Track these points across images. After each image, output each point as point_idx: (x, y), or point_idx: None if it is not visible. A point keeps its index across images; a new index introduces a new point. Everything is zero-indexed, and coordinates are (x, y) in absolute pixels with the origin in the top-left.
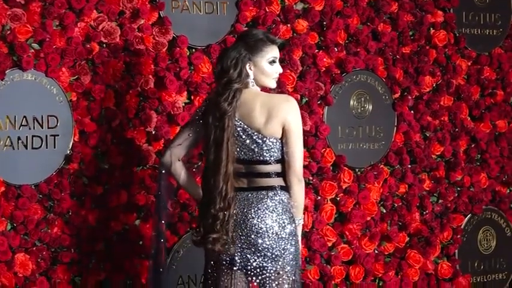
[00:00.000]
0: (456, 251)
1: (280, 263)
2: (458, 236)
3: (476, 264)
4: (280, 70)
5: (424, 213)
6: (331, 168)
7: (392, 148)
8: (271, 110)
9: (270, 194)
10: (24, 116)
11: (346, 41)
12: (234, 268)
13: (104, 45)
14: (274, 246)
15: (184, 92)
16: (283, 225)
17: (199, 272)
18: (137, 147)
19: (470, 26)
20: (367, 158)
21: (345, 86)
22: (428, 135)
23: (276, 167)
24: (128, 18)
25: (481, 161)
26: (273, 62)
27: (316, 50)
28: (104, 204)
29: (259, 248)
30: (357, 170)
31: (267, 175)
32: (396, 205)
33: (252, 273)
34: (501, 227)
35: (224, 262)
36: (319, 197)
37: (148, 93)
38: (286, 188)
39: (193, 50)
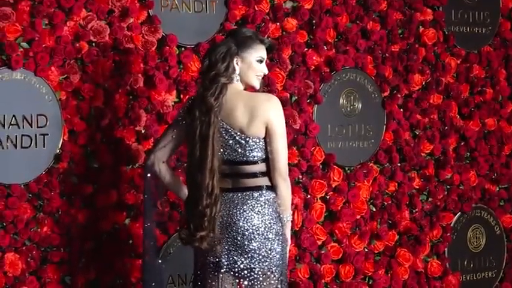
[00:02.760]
0: (446, 249)
1: (267, 263)
2: (448, 234)
3: (466, 263)
4: (266, 71)
5: (414, 211)
6: (320, 166)
7: (382, 146)
8: (254, 110)
9: (255, 194)
10: (14, 115)
11: (336, 40)
12: (222, 270)
13: (93, 44)
14: (261, 247)
15: (173, 90)
16: (269, 225)
17: (189, 271)
18: (127, 146)
19: (459, 24)
20: (356, 156)
21: (334, 85)
22: (417, 133)
23: (261, 167)
24: (117, 17)
25: (470, 159)
26: (260, 61)
27: (306, 49)
28: (93, 203)
29: (246, 250)
30: (346, 168)
31: (252, 175)
32: (386, 203)
33: (240, 275)
34: (491, 225)
35: (211, 264)
36: (308, 196)
37: (138, 92)
38: (272, 187)
39: (183, 48)
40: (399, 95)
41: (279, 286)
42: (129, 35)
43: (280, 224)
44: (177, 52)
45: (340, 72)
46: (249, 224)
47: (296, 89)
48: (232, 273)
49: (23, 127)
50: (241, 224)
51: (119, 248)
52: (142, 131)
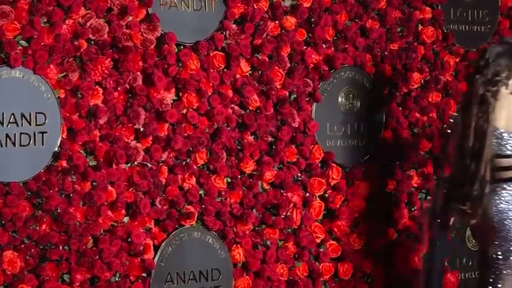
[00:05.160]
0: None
1: None
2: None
3: (464, 261)
4: None
5: (413, 209)
6: (319, 165)
7: (381, 145)
8: None
9: None
10: (12, 113)
11: (335, 38)
12: None
13: (92, 42)
14: None
15: (172, 89)
16: None
17: (188, 268)
18: (125, 144)
19: (458, 22)
20: (355, 154)
21: (333, 83)
22: (416, 131)
23: None
24: (115, 15)
25: None
26: None
27: (305, 47)
28: (92, 201)
29: None
30: (345, 166)
31: None
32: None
33: None
34: None
35: None
36: (307, 194)
37: (137, 90)
38: None
39: (182, 46)
40: (398, 94)
41: None
42: (127, 33)
43: None
44: (176, 50)
45: (339, 71)
46: None
47: (295, 88)
48: None
49: (22, 125)
50: None
51: (117, 246)
52: (141, 129)
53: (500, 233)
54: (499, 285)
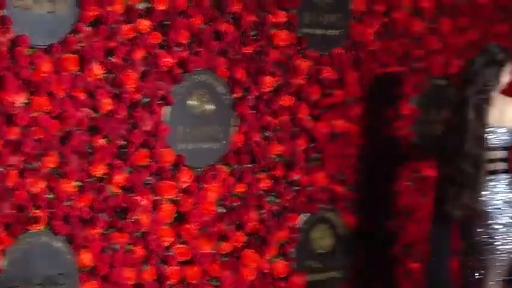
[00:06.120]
0: (292, 249)
1: None
2: (295, 235)
3: (312, 263)
4: None
5: (262, 212)
6: (170, 168)
7: (232, 148)
8: None
9: None
10: None
11: (189, 41)
12: None
13: None
14: None
15: (23, 91)
16: None
17: (35, 273)
18: None
19: (311, 26)
20: (207, 157)
21: (186, 86)
22: (268, 134)
23: None
24: None
25: (319, 160)
26: None
27: (159, 50)
28: None
29: None
30: (196, 169)
31: None
32: (235, 204)
33: None
34: (337, 225)
35: None
36: (157, 197)
37: None
38: None
39: (35, 49)
40: (250, 97)
41: None
42: None
43: None
44: (29, 53)
45: (192, 74)
46: None
47: (148, 91)
48: None
49: None
50: None
51: None
52: None
53: (484, 221)
54: (482, 271)
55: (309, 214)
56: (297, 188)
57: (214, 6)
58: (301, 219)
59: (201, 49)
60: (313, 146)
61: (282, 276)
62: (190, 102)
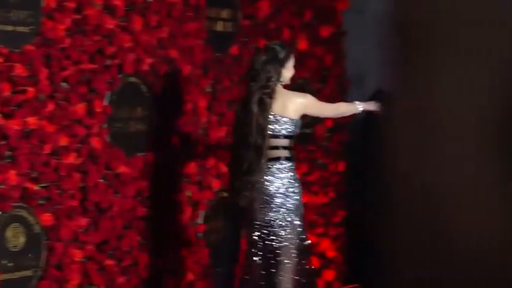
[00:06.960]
0: None
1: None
2: None
3: (6, 262)
4: None
5: None
6: None
7: None
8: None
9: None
10: None
11: None
12: None
13: None
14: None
15: None
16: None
17: None
18: None
19: (2, 23)
20: None
21: None
22: None
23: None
24: None
25: (11, 158)
26: None
27: None
28: None
29: None
30: None
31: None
32: None
33: None
34: (30, 223)
35: None
36: None
37: None
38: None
39: None
40: None
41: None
42: None
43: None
44: None
45: None
46: None
47: None
48: None
49: None
50: None
51: None
52: None
53: (264, 204)
54: (259, 246)
55: (1, 213)
56: None
57: None
58: None
59: None
60: (4, 143)
61: None
62: None
